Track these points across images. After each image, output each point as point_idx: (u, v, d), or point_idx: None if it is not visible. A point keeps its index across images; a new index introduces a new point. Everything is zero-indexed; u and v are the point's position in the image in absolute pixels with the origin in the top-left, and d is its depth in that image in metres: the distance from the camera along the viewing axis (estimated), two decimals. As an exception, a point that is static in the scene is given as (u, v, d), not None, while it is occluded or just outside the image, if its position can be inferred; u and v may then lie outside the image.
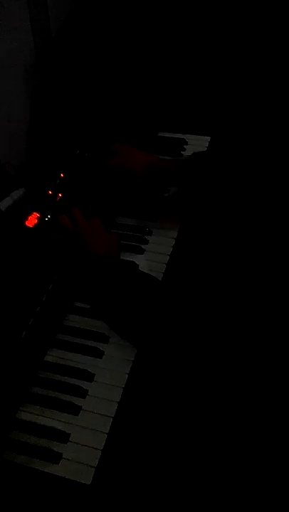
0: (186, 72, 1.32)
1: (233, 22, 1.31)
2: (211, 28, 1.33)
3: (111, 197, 1.14)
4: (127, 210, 1.14)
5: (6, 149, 1.15)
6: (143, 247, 1.06)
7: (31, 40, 1.20)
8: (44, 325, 0.91)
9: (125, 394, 0.85)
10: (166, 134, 1.28)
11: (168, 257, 1.04)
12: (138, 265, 1.02)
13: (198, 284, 0.90)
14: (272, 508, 0.74)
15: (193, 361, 0.80)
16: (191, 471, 0.78)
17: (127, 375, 0.87)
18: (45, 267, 0.95)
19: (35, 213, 1.01)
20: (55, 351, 0.92)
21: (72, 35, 1.31)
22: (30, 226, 1.00)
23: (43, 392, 0.87)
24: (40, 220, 1.01)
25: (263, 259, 0.86)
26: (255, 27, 1.30)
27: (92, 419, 0.83)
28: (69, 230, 0.98)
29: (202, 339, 0.81)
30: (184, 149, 1.24)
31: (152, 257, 1.04)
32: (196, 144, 1.25)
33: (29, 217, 1.00)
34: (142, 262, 1.02)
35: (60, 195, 1.06)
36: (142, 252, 1.05)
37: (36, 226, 1.00)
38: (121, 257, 1.00)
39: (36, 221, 1.00)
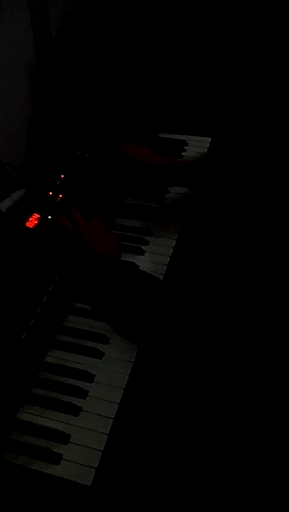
0: (187, 73, 1.32)
1: (234, 22, 1.31)
2: (211, 28, 1.33)
3: (112, 193, 1.13)
4: (128, 211, 1.14)
5: (7, 150, 1.15)
6: (143, 248, 1.06)
7: (32, 40, 1.20)
8: (44, 326, 0.91)
9: (126, 395, 0.85)
10: (167, 135, 1.28)
11: (168, 258, 1.04)
12: (138, 266, 1.02)
13: (199, 284, 0.90)
14: (272, 508, 0.74)
15: (194, 361, 0.80)
16: (191, 472, 0.78)
17: (127, 376, 0.87)
18: (45, 267, 0.95)
19: (35, 214, 1.01)
20: (56, 352, 0.92)
21: (73, 35, 1.31)
22: (31, 227, 1.00)
23: (43, 392, 0.87)
24: (41, 221, 1.01)
25: (263, 259, 0.86)
26: (255, 27, 1.30)
27: (93, 420, 0.83)
28: (69, 231, 0.98)
29: (202, 339, 0.81)
30: (185, 150, 1.24)
31: (153, 258, 1.04)
32: (197, 145, 1.24)
33: (29, 218, 1.00)
34: (142, 262, 1.02)
35: (60, 196, 1.06)
36: (142, 253, 1.05)
37: (37, 227, 1.00)
38: (121, 258, 1.00)
39: (37, 222, 1.00)
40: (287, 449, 0.75)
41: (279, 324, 0.80)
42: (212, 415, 0.79)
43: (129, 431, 0.82)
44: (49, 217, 1.02)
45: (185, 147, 1.24)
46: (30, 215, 1.00)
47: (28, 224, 1.00)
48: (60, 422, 0.83)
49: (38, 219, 1.01)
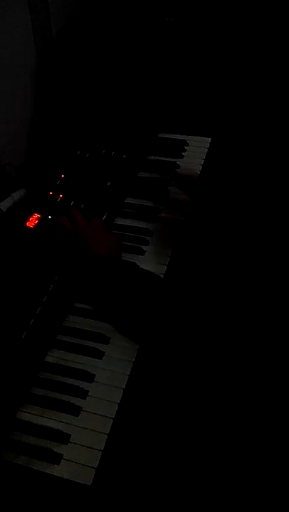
0: (187, 73, 1.32)
1: (234, 22, 1.31)
2: (211, 28, 1.33)
3: (112, 193, 1.13)
4: (128, 211, 1.14)
5: (7, 150, 1.15)
6: (144, 247, 1.06)
7: (32, 41, 1.20)
8: (44, 326, 0.91)
9: (126, 395, 0.85)
10: (167, 135, 1.28)
11: (168, 258, 1.04)
12: (139, 266, 1.02)
13: (199, 285, 0.90)
14: (272, 508, 0.74)
15: (195, 361, 0.80)
16: (191, 472, 0.78)
17: (127, 376, 0.87)
18: (45, 267, 0.95)
19: (35, 214, 1.01)
20: (56, 352, 0.92)
21: (73, 36, 1.32)
22: (31, 227, 1.00)
23: (43, 392, 0.87)
24: (41, 220, 1.01)
25: (263, 259, 0.86)
26: (255, 27, 1.30)
27: (93, 420, 0.83)
28: (69, 230, 0.98)
29: (203, 338, 0.81)
30: (185, 150, 1.24)
31: (153, 258, 1.04)
32: (197, 145, 1.24)
33: (30, 218, 1.00)
34: (142, 262, 1.02)
35: (60, 195, 1.06)
36: (142, 252, 1.05)
37: (37, 227, 1.00)
38: (122, 258, 1.00)
39: (37, 222, 1.01)
40: (287, 448, 0.75)
41: (279, 322, 0.80)
42: (212, 415, 0.79)
43: (129, 431, 0.82)
44: (49, 217, 1.02)
45: (185, 147, 1.24)
46: (30, 215, 1.01)
47: (28, 224, 1.00)
48: (61, 421, 0.83)
49: (38, 219, 1.01)
